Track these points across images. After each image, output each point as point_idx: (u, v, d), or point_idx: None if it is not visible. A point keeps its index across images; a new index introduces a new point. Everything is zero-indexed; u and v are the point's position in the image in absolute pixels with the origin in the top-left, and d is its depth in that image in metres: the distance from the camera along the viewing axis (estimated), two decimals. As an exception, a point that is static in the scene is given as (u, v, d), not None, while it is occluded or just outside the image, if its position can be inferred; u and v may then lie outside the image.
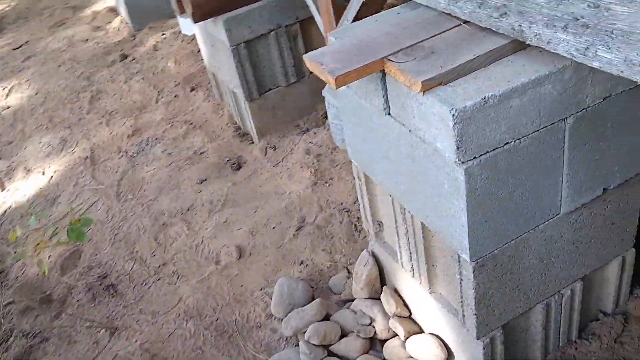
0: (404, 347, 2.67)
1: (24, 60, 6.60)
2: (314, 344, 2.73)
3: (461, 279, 2.14)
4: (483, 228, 1.94)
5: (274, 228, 3.52)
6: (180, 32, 6.09)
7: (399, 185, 2.22)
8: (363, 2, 2.85)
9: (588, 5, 1.50)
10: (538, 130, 1.86)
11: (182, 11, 3.88)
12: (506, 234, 2.03)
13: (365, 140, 2.34)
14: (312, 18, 3.87)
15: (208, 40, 4.30)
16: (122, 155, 4.53)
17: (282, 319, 2.93)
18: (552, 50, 1.66)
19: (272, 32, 3.94)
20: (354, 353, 2.73)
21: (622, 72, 1.48)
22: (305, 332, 2.78)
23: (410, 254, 2.43)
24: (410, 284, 2.61)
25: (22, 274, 3.72)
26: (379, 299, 2.83)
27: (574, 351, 2.58)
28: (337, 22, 3.21)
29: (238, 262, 3.37)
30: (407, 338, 2.66)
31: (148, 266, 3.52)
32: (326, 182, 3.68)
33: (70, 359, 3.13)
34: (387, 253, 2.70)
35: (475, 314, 2.17)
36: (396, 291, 2.79)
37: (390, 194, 2.35)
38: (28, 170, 4.75)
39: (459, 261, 2.08)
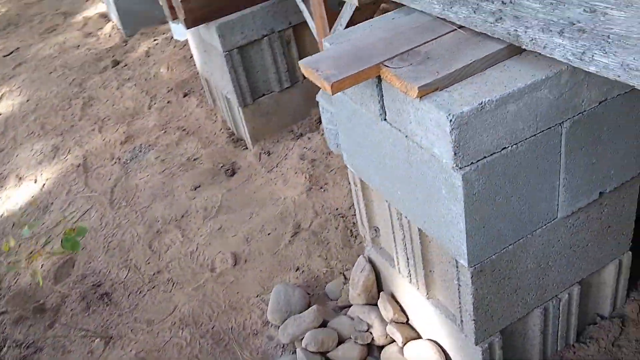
0: (402, 353, 2.66)
1: (15, 67, 6.56)
2: (311, 351, 2.72)
3: (459, 285, 2.13)
4: (481, 233, 1.94)
5: (269, 234, 3.50)
6: (172, 37, 6.08)
7: (396, 190, 2.21)
8: (356, 7, 2.84)
9: (584, 10, 1.50)
10: (535, 135, 1.86)
11: (175, 17, 3.86)
12: (504, 239, 2.02)
13: (361, 146, 2.33)
14: (305, 23, 3.86)
15: (201, 45, 4.29)
16: (115, 162, 4.50)
17: (278, 326, 2.91)
18: (548, 55, 1.66)
19: (265, 38, 3.93)
20: (351, 360, 2.72)
21: (618, 76, 1.48)
22: (302, 339, 2.76)
23: (408, 259, 2.42)
24: (407, 289, 2.60)
25: (15, 283, 3.68)
26: (376, 305, 2.82)
27: (572, 355, 2.57)
28: (330, 27, 3.20)
29: (233, 269, 3.35)
30: (405, 344, 2.65)
31: (142, 274, 3.50)
32: (321, 188, 3.67)
33: (64, 369, 3.10)
34: (384, 259, 2.68)
35: (474, 320, 2.16)
36: (393, 297, 2.78)
37: (386, 199, 2.34)
38: (20, 178, 4.71)
39: (457, 267, 2.08)
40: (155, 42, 6.22)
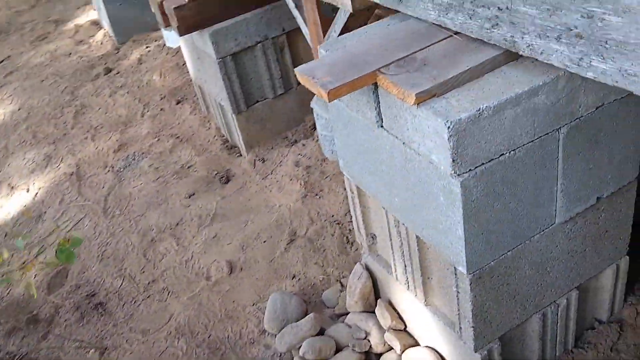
0: (400, 361, 2.65)
1: (6, 76, 6.51)
2: (308, 360, 2.70)
3: (458, 292, 2.12)
4: (479, 240, 1.93)
5: (264, 242, 3.48)
6: (164, 44, 6.05)
7: (393, 197, 2.20)
8: (351, 13, 2.83)
9: (581, 16, 1.49)
10: (532, 141, 1.85)
11: (167, 24, 3.84)
12: (502, 246, 2.02)
13: (358, 153, 2.32)
14: (298, 29, 3.86)
15: (194, 52, 4.27)
16: (109, 171, 4.47)
17: (275, 335, 2.89)
18: (545, 61, 1.65)
19: (259, 44, 3.92)
20: (349, 368, 2.70)
21: (616, 82, 1.48)
22: (299, 348, 2.75)
23: (405, 266, 2.41)
24: (405, 296, 2.59)
25: (8, 293, 3.64)
26: (373, 312, 2.80)
27: (571, 360, 2.57)
28: (324, 33, 3.19)
29: (229, 278, 3.33)
30: (403, 351, 2.64)
31: (137, 283, 3.47)
32: (316, 194, 3.65)
33: (59, 381, 3.07)
34: (381, 266, 2.67)
35: (473, 327, 2.15)
36: (391, 304, 2.77)
37: (383, 206, 2.33)
38: (12, 187, 4.67)
39: (456, 274, 2.07)
40: (148, 49, 6.20)
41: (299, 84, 4.20)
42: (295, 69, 2.00)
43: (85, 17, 7.53)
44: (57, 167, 4.71)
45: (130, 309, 3.32)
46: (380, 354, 2.73)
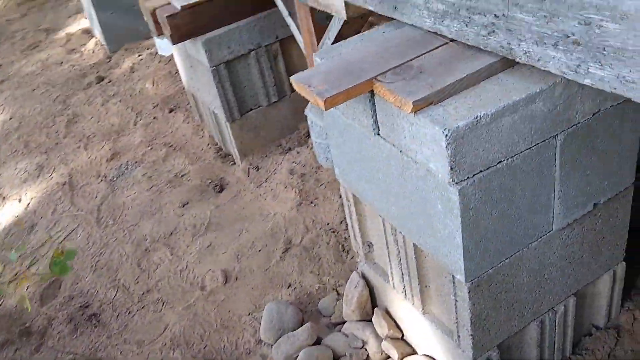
0: (398, 370, 2.63)
1: (-3, 85, 6.48)
2: (305, 370, 2.68)
3: (456, 300, 2.11)
4: (478, 248, 1.92)
5: (259, 251, 3.46)
6: (156, 53, 6.03)
7: (390, 206, 2.18)
8: (345, 21, 2.83)
9: (579, 23, 1.49)
10: (530, 148, 1.85)
11: (160, 33, 3.83)
12: (500, 253, 2.01)
13: (354, 161, 2.31)
14: (292, 37, 3.85)
15: (187, 61, 4.26)
16: (102, 180, 4.44)
17: (272, 345, 2.86)
18: (542, 68, 1.65)
19: (252, 52, 3.91)
20: (346, 377, 2.68)
21: (615, 89, 1.47)
22: (296, 358, 2.72)
23: (402, 275, 2.40)
24: (402, 305, 2.57)
25: (0, 305, 3.60)
26: (370, 321, 2.78)
27: (569, 367, 2.56)
28: (318, 41, 3.19)
29: (224, 287, 3.30)
30: (401, 360, 2.62)
31: (131, 294, 3.43)
32: (311, 202, 3.63)
33: (52, 394, 3.03)
34: (378, 274, 2.66)
35: (471, 335, 2.14)
36: (388, 312, 2.75)
37: (380, 214, 2.32)
38: (3, 197, 4.62)
39: (454, 282, 2.05)
40: (140, 57, 6.18)
41: (292, 91, 4.20)
42: (291, 78, 1.99)
43: (77, 25, 7.50)
44: (50, 176, 4.68)
45: (124, 320, 3.29)
46: (378, 363, 2.72)
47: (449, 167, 1.72)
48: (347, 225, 3.34)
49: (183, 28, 3.66)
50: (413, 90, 1.79)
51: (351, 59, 2.05)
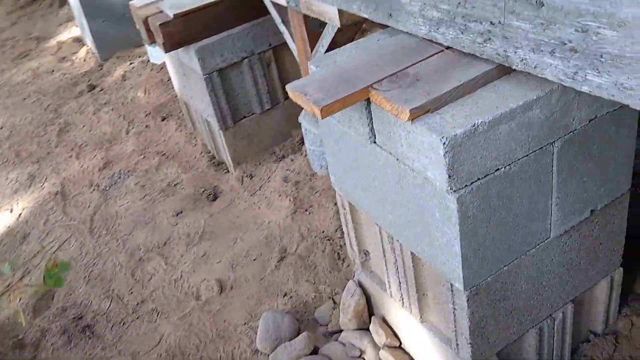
0: (396, 379, 2.61)
1: (-12, 94, 6.43)
2: (303, 380, 2.65)
3: (454, 308, 2.09)
4: (476, 256, 1.91)
5: (254, 260, 3.44)
6: (148, 60, 6.01)
7: (387, 214, 2.17)
8: (338, 28, 2.82)
9: (576, 30, 1.49)
10: (527, 155, 1.84)
11: (153, 41, 3.81)
12: (499, 261, 2.00)
13: (350, 169, 2.29)
14: (285, 44, 3.84)
15: (179, 69, 4.24)
16: (94, 189, 4.41)
17: (268, 355, 2.84)
18: (539, 75, 1.64)
19: (245, 60, 3.89)
20: (344, 387, 2.66)
21: (612, 95, 1.47)
22: (293, 368, 2.70)
23: (400, 283, 2.38)
24: (399, 313, 2.56)
25: (-8, 317, 3.56)
26: (367, 329, 2.77)
27: (568, 374, 2.55)
28: (311, 48, 3.18)
29: (219, 297, 3.27)
30: (399, 369, 2.60)
31: (126, 304, 3.40)
32: (306, 210, 3.62)
33: (46, 407, 2.99)
34: (375, 282, 2.64)
35: (470, 343, 2.13)
36: (385, 321, 2.73)
37: (377, 223, 2.30)
38: (-5, 208, 4.59)
39: (452, 290, 2.04)
40: (132, 65, 6.15)
41: (286, 98, 4.18)
42: (287, 86, 1.97)
43: (68, 33, 7.47)
44: (41, 186, 4.64)
45: (119, 331, 3.26)
46: (376, 372, 2.70)
47: (447, 175, 1.70)
48: (342, 233, 3.33)
49: (176, 36, 3.64)
50: (410, 98, 1.78)
51: (346, 66, 2.04)
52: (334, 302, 3.05)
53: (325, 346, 2.80)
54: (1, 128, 5.64)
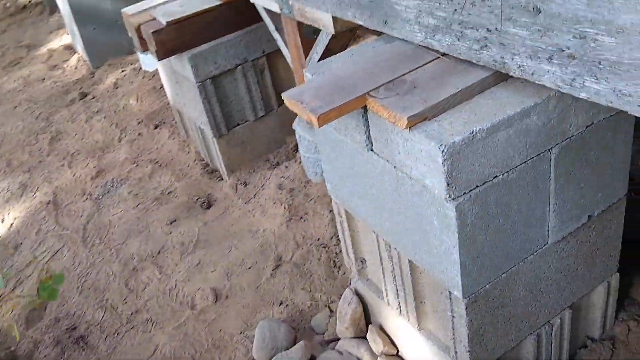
0: (394, 387, 2.59)
1: (-22, 103, 6.38)
2: (300, 389, 2.63)
3: (453, 316, 2.08)
4: (475, 264, 1.90)
5: (249, 268, 3.41)
6: (140, 68, 5.98)
7: (384, 222, 2.16)
8: (332, 35, 2.81)
9: (573, 36, 1.48)
10: (525, 162, 1.84)
11: (145, 48, 3.79)
12: (497, 268, 1.99)
13: (346, 177, 2.28)
14: (278, 51, 3.83)
15: (172, 76, 4.22)
16: (87, 198, 4.37)
17: (265, 364, 2.82)
18: (537, 82, 1.64)
19: (239, 67, 3.88)
20: (342, 396, 2.64)
21: (611, 102, 1.47)
22: (290, 377, 2.68)
23: (397, 291, 2.37)
24: (397, 321, 2.54)
25: (-16, 329, 3.52)
26: (365, 337, 2.75)
27: (566, 380, 2.54)
28: (305, 55, 3.17)
29: (215, 306, 3.25)
30: (397, 377, 2.59)
31: (120, 314, 3.37)
32: (301, 218, 3.60)
33: (39, 420, 2.95)
34: (372, 290, 2.63)
35: (469, 351, 2.11)
36: (382, 329, 2.72)
37: (374, 230, 2.29)
38: (-14, 217, 4.54)
39: (451, 298, 2.03)
40: (124, 73, 6.13)
41: (279, 105, 4.17)
42: (283, 94, 1.96)
43: (59, 41, 7.44)
44: (33, 195, 4.59)
45: (113, 342, 3.22)
46: (373, 381, 2.68)
47: (446, 183, 1.69)
48: (338, 240, 3.32)
49: (169, 44, 3.62)
50: (407, 105, 1.77)
51: (342, 74, 2.03)
52: (330, 310, 3.03)
53: (322, 355, 2.78)
54: (-8, 137, 5.60)
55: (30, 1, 9.10)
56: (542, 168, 1.89)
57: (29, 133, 5.49)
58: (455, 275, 1.91)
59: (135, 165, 4.61)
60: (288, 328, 2.91)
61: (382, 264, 2.39)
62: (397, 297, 2.40)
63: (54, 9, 8.05)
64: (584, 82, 1.51)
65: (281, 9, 3.00)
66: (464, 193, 1.75)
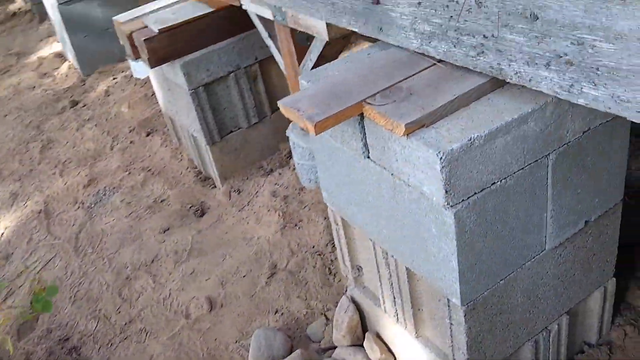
0: (391, 395, 2.58)
1: (-33, 111, 6.32)
2: (297, 399, 2.61)
3: (451, 324, 2.07)
4: (473, 271, 1.89)
5: (244, 276, 3.39)
6: (131, 75, 5.96)
7: (381, 229, 2.15)
8: (326, 42, 2.81)
9: (571, 43, 1.48)
10: (523, 169, 1.83)
11: (137, 56, 3.77)
12: (495, 275, 1.98)
13: (342, 184, 2.27)
14: (271, 57, 3.82)
15: (164, 84, 4.20)
16: (79, 207, 4.33)
17: (261, 374, 2.79)
18: (534, 88, 1.64)
19: (232, 74, 3.87)
20: (339, 405, 2.62)
21: (609, 108, 1.47)
22: (287, 387, 2.66)
23: (394, 298, 2.36)
24: (394, 329, 2.53)
25: (-25, 341, 3.46)
26: (361, 345, 2.73)
27: (564, 386, 2.53)
28: (299, 62, 3.16)
29: (209, 315, 3.22)
30: (394, 385, 2.57)
31: (113, 324, 3.33)
32: (296, 225, 3.58)
33: None
34: (368, 298, 2.61)
35: (468, 359, 2.10)
36: (379, 336, 2.70)
37: (371, 238, 2.28)
38: (-24, 227, 4.49)
39: (449, 305, 2.02)
40: (115, 80, 6.10)
41: (273, 112, 4.16)
42: (279, 102, 1.95)
43: (49, 49, 7.40)
44: (24, 205, 4.55)
45: (106, 353, 3.18)
46: (371, 389, 2.66)
47: (444, 191, 1.69)
48: (333, 247, 3.30)
49: (161, 51, 3.60)
50: (404, 112, 1.76)
51: (338, 81, 2.02)
52: (327, 318, 3.01)
53: (319, 364, 2.76)
54: (-18, 146, 5.55)
55: (19, 9, 9.06)
56: (540, 174, 1.89)
57: (20, 141, 5.44)
58: (453, 283, 1.90)
59: (127, 173, 4.58)
60: (284, 337, 2.89)
61: (379, 271, 2.37)
62: (394, 305, 2.38)
63: (44, 16, 8.01)
64: (582, 88, 1.50)
65: (274, 16, 3.00)
66: (462, 200, 1.74)
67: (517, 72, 1.66)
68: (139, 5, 4.01)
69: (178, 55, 3.70)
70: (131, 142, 4.96)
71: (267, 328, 2.96)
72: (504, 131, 1.72)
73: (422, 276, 2.07)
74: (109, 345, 3.22)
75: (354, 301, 2.75)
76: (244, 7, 3.30)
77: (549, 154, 1.87)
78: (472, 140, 1.67)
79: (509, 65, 1.67)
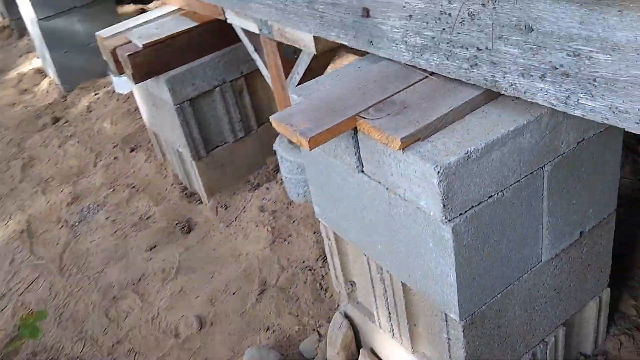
0: (388, 412, 2.53)
1: (-54, 130, 6.20)
2: (291, 418, 2.56)
3: (449, 339, 2.04)
4: (471, 285, 1.86)
5: (234, 294, 3.33)
6: (114, 91, 5.89)
7: (376, 244, 2.12)
8: (314, 55, 2.79)
9: (567, 54, 1.47)
10: (519, 181, 1.82)
11: (121, 72, 3.72)
12: (493, 288, 1.96)
13: (335, 199, 2.24)
14: (257, 71, 3.80)
15: (148, 99, 4.15)
16: (62, 226, 4.25)
17: (254, 394, 2.74)
18: (529, 100, 1.62)
19: (217, 88, 3.83)
20: (334, 423, 2.57)
21: (607, 119, 1.45)
22: (281, 406, 2.61)
23: (390, 314, 2.32)
24: (389, 344, 2.49)
25: (-44, 366, 3.37)
26: (356, 362, 2.69)
27: (561, 398, 2.51)
28: (286, 75, 3.14)
29: (200, 334, 3.16)
30: (390, 402, 2.53)
31: (100, 346, 3.25)
32: (285, 240, 3.54)
33: None
34: (362, 314, 2.57)
35: (466, 374, 2.07)
36: (374, 352, 2.66)
37: (365, 253, 2.25)
38: (-44, 248, 4.38)
39: (447, 320, 1.99)
40: (97, 96, 6.02)
41: (259, 126, 4.13)
42: (271, 117, 1.92)
43: (29, 65, 7.29)
44: (6, 224, 4.45)
45: (93, 375, 3.11)
46: (366, 406, 2.62)
47: (442, 205, 1.66)
48: (324, 262, 3.27)
49: (145, 66, 3.56)
50: (399, 126, 1.74)
51: (330, 95, 1.99)
52: (319, 335, 2.96)
53: (313, 382, 2.71)
54: (-39, 164, 5.43)
55: (-3, 25, 8.94)
56: (536, 186, 1.88)
57: (0, 160, 5.34)
58: (451, 298, 1.87)
59: (111, 190, 4.51)
60: (276, 354, 2.84)
61: (373, 286, 2.34)
62: (390, 320, 2.35)
63: (23, 32, 7.91)
64: (578, 99, 1.49)
65: (260, 30, 2.97)
66: (460, 214, 1.71)
67: (512, 84, 1.65)
68: (121, 21, 3.96)
69: (163, 70, 3.65)
70: (115, 158, 4.89)
71: (259, 346, 2.91)
72: (500, 143, 1.70)
73: (419, 291, 2.04)
74: (96, 367, 3.15)
75: (347, 316, 2.71)
76: (229, 21, 3.27)
77: (544, 165, 1.86)
78: (468, 153, 1.65)
79: (504, 77, 1.66)
